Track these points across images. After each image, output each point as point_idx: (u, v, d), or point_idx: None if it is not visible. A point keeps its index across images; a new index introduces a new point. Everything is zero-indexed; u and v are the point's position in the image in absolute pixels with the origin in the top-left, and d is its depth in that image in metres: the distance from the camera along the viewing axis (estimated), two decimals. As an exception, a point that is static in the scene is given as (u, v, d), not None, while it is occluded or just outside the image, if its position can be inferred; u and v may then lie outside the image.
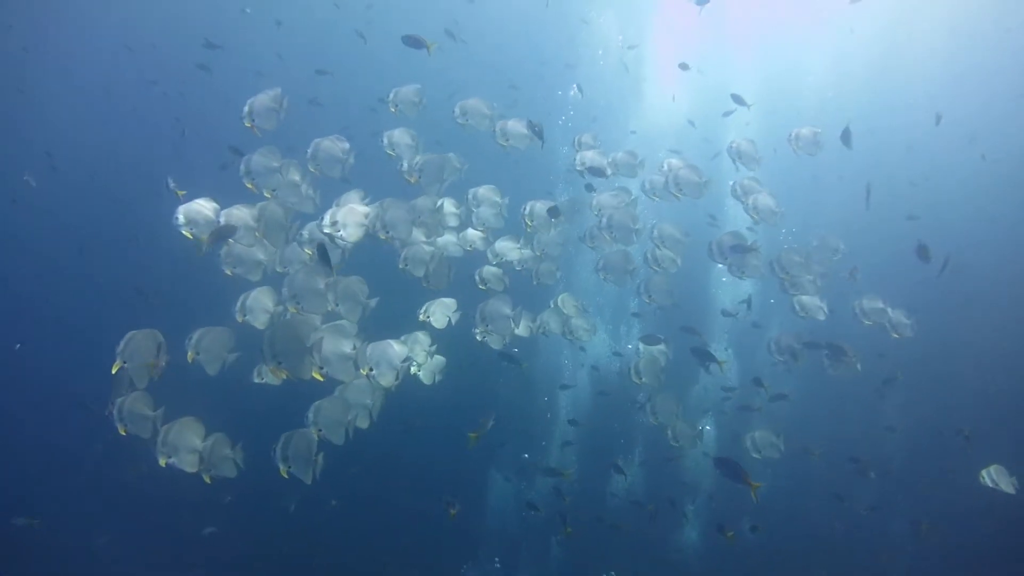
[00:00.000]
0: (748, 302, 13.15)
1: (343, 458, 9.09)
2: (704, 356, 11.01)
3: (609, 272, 10.97)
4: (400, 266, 9.67)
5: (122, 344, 7.25)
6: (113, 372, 7.20)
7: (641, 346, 11.51)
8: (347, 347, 7.81)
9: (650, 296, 11.22)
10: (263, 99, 8.78)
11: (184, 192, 9.50)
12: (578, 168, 10.95)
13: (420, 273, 9.73)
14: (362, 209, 8.59)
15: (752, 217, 10.67)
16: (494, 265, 10.99)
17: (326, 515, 16.67)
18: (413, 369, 9.61)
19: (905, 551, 17.59)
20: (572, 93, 21.89)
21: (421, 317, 9.93)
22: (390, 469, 17.16)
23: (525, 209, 10.70)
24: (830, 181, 24.55)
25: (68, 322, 21.18)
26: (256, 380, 9.28)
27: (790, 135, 11.44)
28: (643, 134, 22.02)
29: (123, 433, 7.31)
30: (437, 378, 10.16)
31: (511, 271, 11.20)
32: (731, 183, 11.03)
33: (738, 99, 14.29)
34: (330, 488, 15.33)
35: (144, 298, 12.05)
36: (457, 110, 10.11)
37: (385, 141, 9.75)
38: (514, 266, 11.12)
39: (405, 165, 9.74)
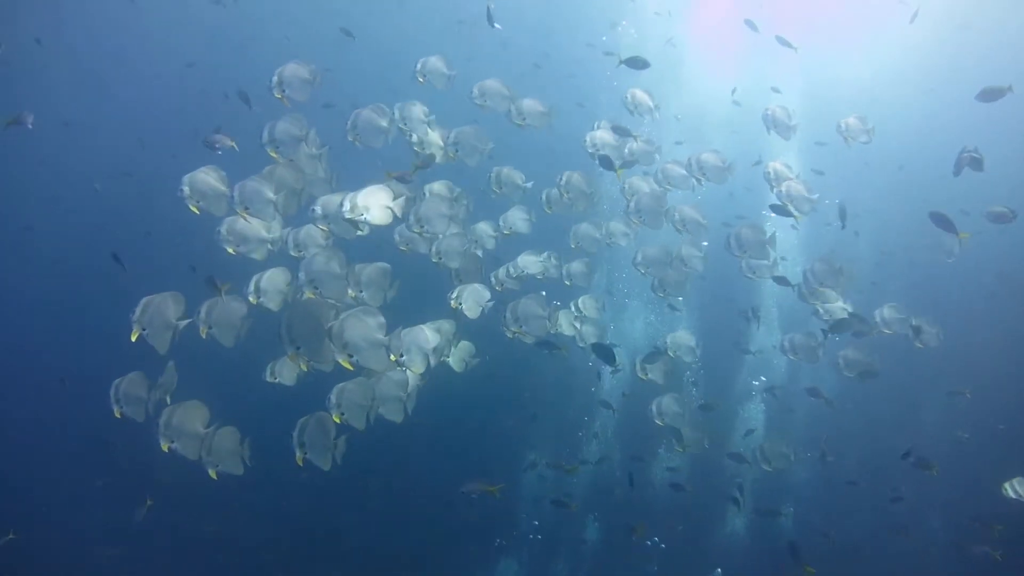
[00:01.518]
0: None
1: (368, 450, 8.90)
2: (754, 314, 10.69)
3: (648, 266, 10.74)
4: (433, 259, 9.32)
5: (138, 310, 6.90)
6: (133, 339, 6.82)
7: (637, 363, 11.14)
8: (377, 332, 7.21)
9: (664, 291, 11.04)
10: (294, 68, 8.45)
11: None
12: (589, 150, 10.57)
13: (455, 265, 9.45)
14: (385, 192, 8.19)
15: (784, 204, 10.34)
16: (513, 278, 10.67)
17: (355, 503, 16.66)
18: (442, 356, 9.37)
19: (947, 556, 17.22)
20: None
21: (452, 304, 9.54)
22: (420, 457, 17.13)
23: (561, 180, 10.31)
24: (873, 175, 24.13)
25: (81, 320, 21.15)
26: (269, 379, 8.91)
27: (839, 125, 11.16)
28: (688, 122, 21.77)
29: (118, 416, 7.02)
30: (468, 364, 9.81)
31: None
32: (764, 167, 10.71)
33: (784, 41, 13.81)
34: (358, 477, 15.25)
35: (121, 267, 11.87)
36: (475, 91, 9.69)
37: (396, 114, 9.22)
38: (536, 277, 10.79)
39: (415, 137, 9.40)
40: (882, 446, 17.95)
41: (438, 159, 9.62)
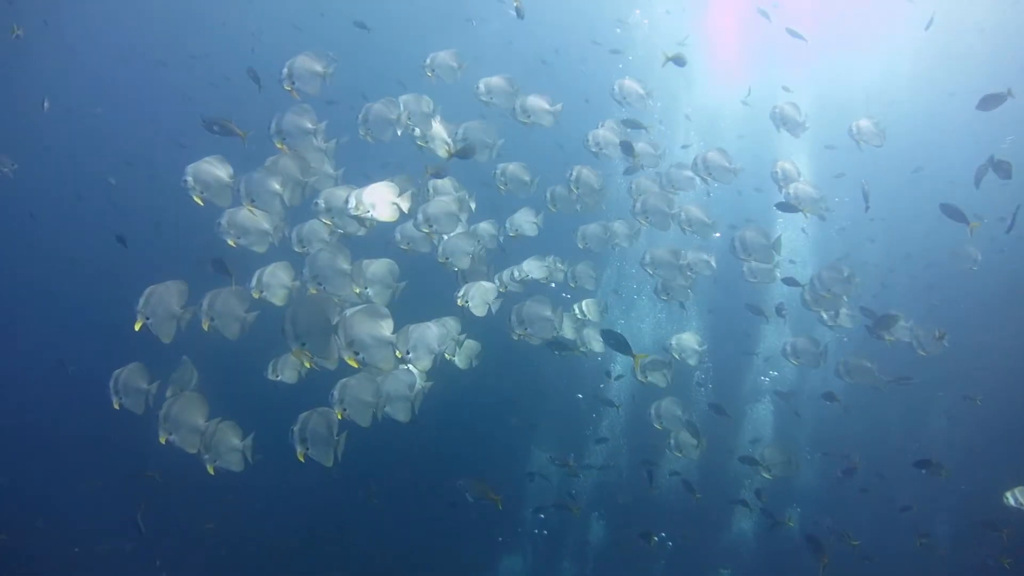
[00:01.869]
0: None
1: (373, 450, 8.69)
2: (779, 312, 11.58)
3: (656, 267, 10.59)
4: (440, 259, 9.12)
5: (142, 300, 6.75)
6: (136, 329, 6.69)
7: (637, 371, 10.87)
8: (385, 330, 7.00)
9: (668, 295, 10.96)
10: (304, 60, 8.25)
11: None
12: (592, 149, 10.37)
13: (465, 265, 9.25)
14: (390, 188, 8.05)
15: (792, 204, 10.25)
16: (517, 281, 10.52)
17: (354, 506, 16.62)
18: (447, 355, 9.29)
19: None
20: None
21: (459, 302, 9.40)
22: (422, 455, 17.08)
23: (571, 174, 10.10)
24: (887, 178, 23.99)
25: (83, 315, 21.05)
26: (271, 377, 8.67)
27: (851, 128, 11.05)
28: (699, 123, 21.72)
29: (117, 407, 6.86)
30: (473, 363, 9.67)
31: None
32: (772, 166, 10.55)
33: (794, 33, 13.89)
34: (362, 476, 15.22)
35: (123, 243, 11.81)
36: (481, 87, 9.52)
37: (400, 107, 8.96)
38: (540, 282, 10.65)
39: (418, 131, 9.19)
40: (889, 448, 17.91)
41: (442, 153, 9.50)
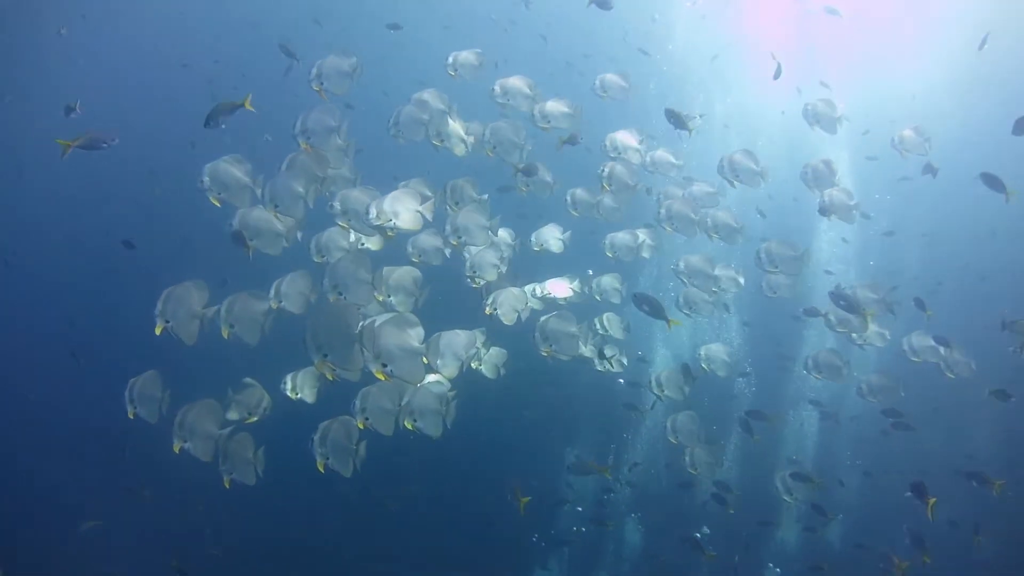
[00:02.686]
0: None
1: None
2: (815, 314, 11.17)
3: (690, 275, 10.33)
4: (467, 274, 8.87)
5: (160, 303, 6.56)
6: (157, 333, 6.52)
7: (659, 378, 10.60)
8: (414, 340, 6.61)
9: (691, 309, 10.68)
10: (334, 61, 8.20)
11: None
12: (611, 154, 10.02)
13: (493, 278, 8.98)
14: (412, 196, 7.81)
15: (827, 212, 9.96)
16: (538, 297, 10.08)
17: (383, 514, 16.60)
18: (474, 363, 9.16)
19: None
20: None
21: (487, 310, 8.98)
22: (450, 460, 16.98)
23: (603, 171, 9.77)
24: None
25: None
26: (289, 395, 8.51)
27: (894, 138, 10.79)
28: (736, 132, 21.45)
29: (131, 417, 6.71)
30: (501, 372, 9.51)
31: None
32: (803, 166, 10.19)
33: (832, 11, 14.08)
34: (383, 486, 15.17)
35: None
36: (497, 88, 9.33)
37: (428, 106, 8.85)
38: (558, 302, 10.16)
39: (436, 130, 9.05)
40: (932, 462, 17.47)
41: (459, 152, 9.39)
